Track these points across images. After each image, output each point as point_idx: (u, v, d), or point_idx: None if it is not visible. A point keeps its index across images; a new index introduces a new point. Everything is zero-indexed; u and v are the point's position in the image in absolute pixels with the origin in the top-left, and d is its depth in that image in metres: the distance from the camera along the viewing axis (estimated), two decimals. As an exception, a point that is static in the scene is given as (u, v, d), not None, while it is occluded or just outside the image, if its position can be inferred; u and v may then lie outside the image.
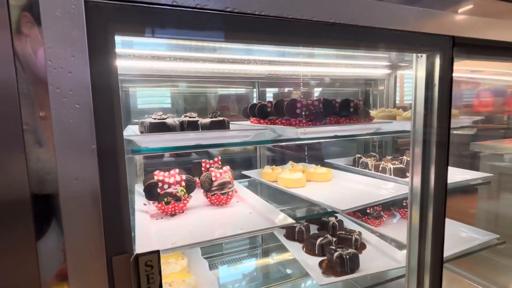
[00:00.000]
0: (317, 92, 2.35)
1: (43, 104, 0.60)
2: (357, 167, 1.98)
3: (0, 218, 0.59)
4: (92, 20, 0.61)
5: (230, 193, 1.39)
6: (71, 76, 0.60)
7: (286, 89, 2.25)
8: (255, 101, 2.00)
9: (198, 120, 1.28)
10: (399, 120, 1.68)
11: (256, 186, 1.90)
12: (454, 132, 1.98)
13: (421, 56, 1.05)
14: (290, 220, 1.14)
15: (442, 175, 1.08)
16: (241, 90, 2.11)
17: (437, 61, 1.02)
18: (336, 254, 1.40)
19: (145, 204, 1.36)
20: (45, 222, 0.64)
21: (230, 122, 1.65)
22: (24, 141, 0.59)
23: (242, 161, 2.14)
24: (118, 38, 1.30)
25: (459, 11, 1.01)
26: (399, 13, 0.91)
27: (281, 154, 2.24)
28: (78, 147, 0.61)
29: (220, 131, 1.19)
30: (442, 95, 1.03)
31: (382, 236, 1.71)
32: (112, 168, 0.66)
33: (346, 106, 1.41)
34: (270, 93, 2.16)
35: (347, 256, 1.39)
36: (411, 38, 0.96)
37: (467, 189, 2.61)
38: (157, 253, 0.70)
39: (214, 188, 1.38)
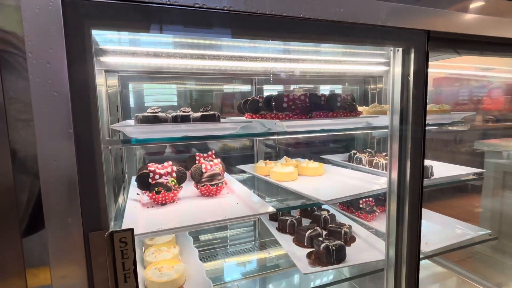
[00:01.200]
0: (316, 89, 2.38)
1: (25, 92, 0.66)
2: (352, 162, 2.01)
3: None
4: (69, 16, 0.67)
5: (219, 185, 1.44)
6: (49, 67, 0.66)
7: (283, 86, 2.28)
8: (253, 98, 2.04)
9: (190, 114, 1.34)
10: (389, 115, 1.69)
11: (252, 180, 1.95)
12: (450, 128, 1.98)
13: (398, 50, 1.07)
14: (271, 210, 1.19)
15: (417, 169, 1.11)
16: (239, 87, 2.16)
17: (412, 56, 1.04)
18: (323, 245, 1.44)
19: (138, 194, 1.43)
20: (28, 201, 0.71)
21: (228, 118, 1.70)
22: (7, 126, 0.66)
23: (240, 157, 2.19)
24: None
25: (435, 5, 1.03)
26: (371, 7, 0.93)
27: (279, 150, 2.27)
28: (56, 131, 0.68)
29: (204, 123, 1.24)
30: (417, 90, 1.05)
31: (375, 231, 1.73)
32: (88, 150, 0.72)
33: (333, 101, 1.44)
34: (267, 90, 2.20)
35: (333, 248, 1.42)
36: (383, 33, 0.98)
37: (472, 189, 2.60)
38: (130, 231, 0.76)
39: (204, 180, 1.43)
